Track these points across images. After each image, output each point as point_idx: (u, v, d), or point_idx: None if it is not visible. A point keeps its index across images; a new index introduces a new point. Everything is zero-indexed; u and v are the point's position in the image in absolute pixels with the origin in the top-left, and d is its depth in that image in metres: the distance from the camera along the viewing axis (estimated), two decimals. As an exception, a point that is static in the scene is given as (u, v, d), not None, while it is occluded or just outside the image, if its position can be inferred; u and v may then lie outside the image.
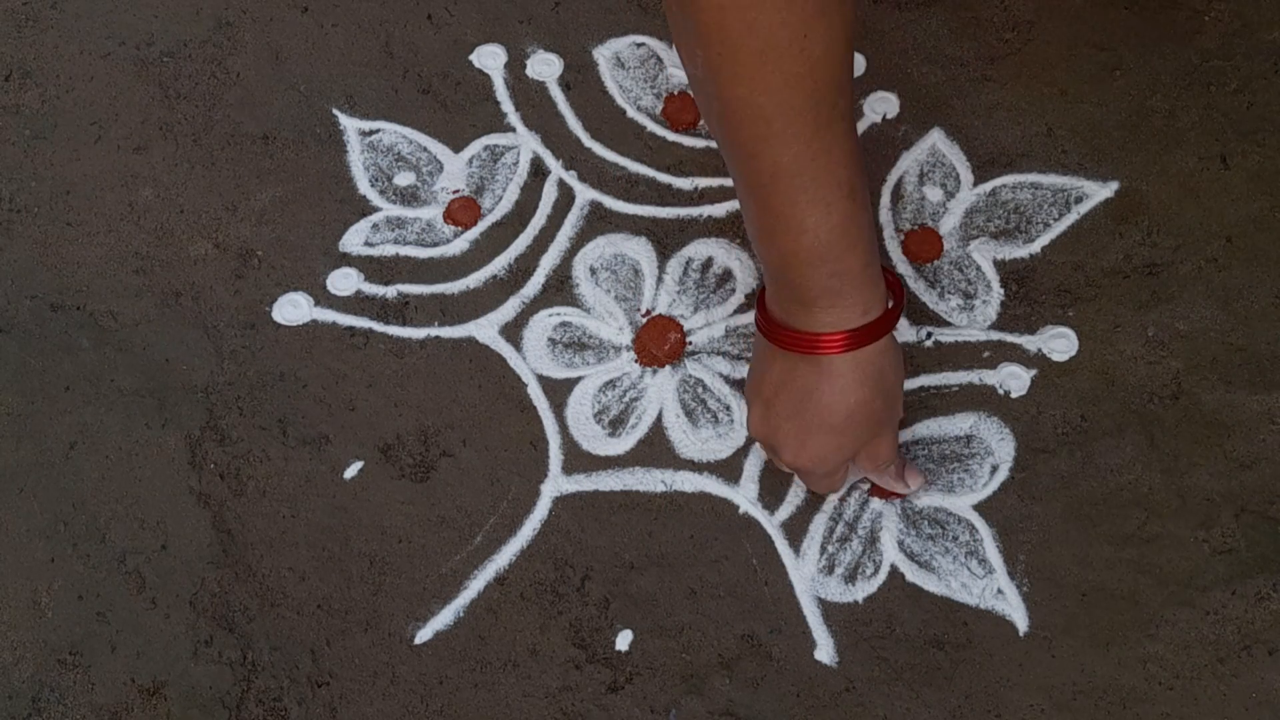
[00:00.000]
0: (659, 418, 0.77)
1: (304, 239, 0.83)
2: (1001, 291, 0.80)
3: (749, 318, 0.79)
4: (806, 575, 0.72)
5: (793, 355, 0.66)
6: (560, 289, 0.81)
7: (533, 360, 0.79)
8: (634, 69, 0.89)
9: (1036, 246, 0.81)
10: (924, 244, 0.81)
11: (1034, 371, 0.77)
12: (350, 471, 0.75)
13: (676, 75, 0.88)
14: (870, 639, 0.70)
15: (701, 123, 0.86)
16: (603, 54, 0.89)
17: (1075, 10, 0.89)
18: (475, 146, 0.86)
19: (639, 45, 0.90)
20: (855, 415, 0.66)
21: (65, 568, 0.73)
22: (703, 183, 0.84)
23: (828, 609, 0.71)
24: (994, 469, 0.74)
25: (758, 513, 0.74)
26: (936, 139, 0.85)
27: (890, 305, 0.66)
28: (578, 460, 0.76)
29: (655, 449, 0.76)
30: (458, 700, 0.69)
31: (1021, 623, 0.70)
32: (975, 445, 0.75)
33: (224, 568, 0.73)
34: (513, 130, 0.87)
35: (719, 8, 0.55)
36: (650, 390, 0.78)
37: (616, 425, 0.77)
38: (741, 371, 0.78)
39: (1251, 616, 0.69)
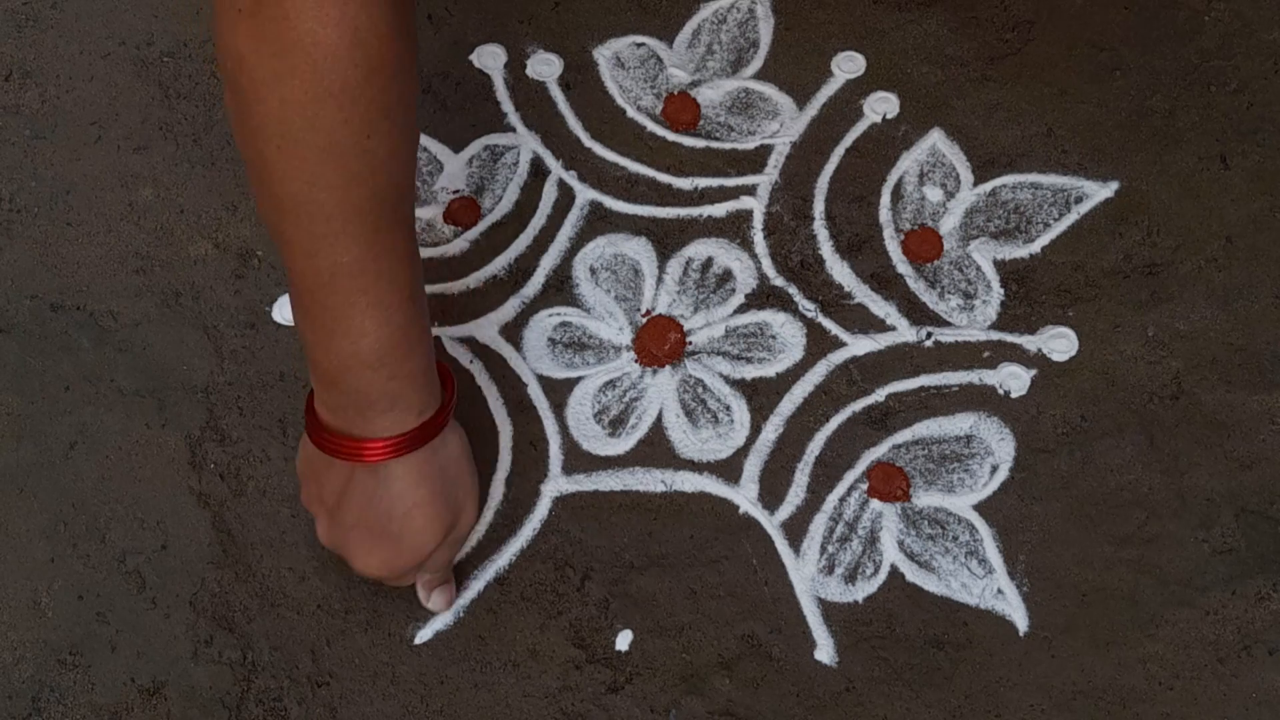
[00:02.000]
0: (659, 418, 0.77)
1: (304, 239, 0.83)
2: (1001, 291, 0.80)
3: (749, 318, 0.79)
4: (806, 575, 0.72)
5: (351, 464, 0.63)
6: (560, 289, 0.81)
7: (533, 360, 0.79)
8: (634, 69, 0.89)
9: (1036, 246, 0.81)
10: (924, 244, 0.81)
11: (1034, 371, 0.77)
12: (350, 471, 0.75)
13: (676, 75, 0.88)
14: (870, 639, 0.70)
15: (702, 122, 0.86)
16: (603, 54, 0.89)
17: (1075, 10, 0.89)
18: (475, 146, 0.86)
19: (639, 45, 0.90)
20: (413, 517, 0.64)
21: (65, 568, 0.73)
22: (703, 183, 0.84)
23: (828, 609, 0.71)
24: (994, 469, 0.74)
25: (758, 513, 0.74)
26: (936, 139, 0.85)
27: (444, 399, 0.65)
28: (578, 460, 0.76)
29: (655, 449, 0.76)
30: (458, 700, 0.69)
31: (1021, 623, 0.70)
32: (975, 445, 0.75)
33: (224, 568, 0.73)
34: (513, 130, 0.87)
35: (281, 101, 0.55)
36: (650, 390, 0.78)
37: (616, 425, 0.77)
38: (742, 371, 0.78)
39: (1251, 616, 0.69)
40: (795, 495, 0.74)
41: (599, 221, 0.83)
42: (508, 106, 0.88)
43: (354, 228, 0.58)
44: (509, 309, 0.81)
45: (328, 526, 0.67)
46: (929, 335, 0.78)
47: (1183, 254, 0.80)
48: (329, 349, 0.61)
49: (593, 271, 0.81)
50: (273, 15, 0.54)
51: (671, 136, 0.86)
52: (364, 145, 0.56)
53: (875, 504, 0.74)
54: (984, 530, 0.72)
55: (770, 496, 0.74)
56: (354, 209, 0.58)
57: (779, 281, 0.81)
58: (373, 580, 0.69)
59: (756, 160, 0.85)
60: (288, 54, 0.54)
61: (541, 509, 0.74)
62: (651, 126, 0.86)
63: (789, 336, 0.79)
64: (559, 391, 0.78)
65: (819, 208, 0.83)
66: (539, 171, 0.85)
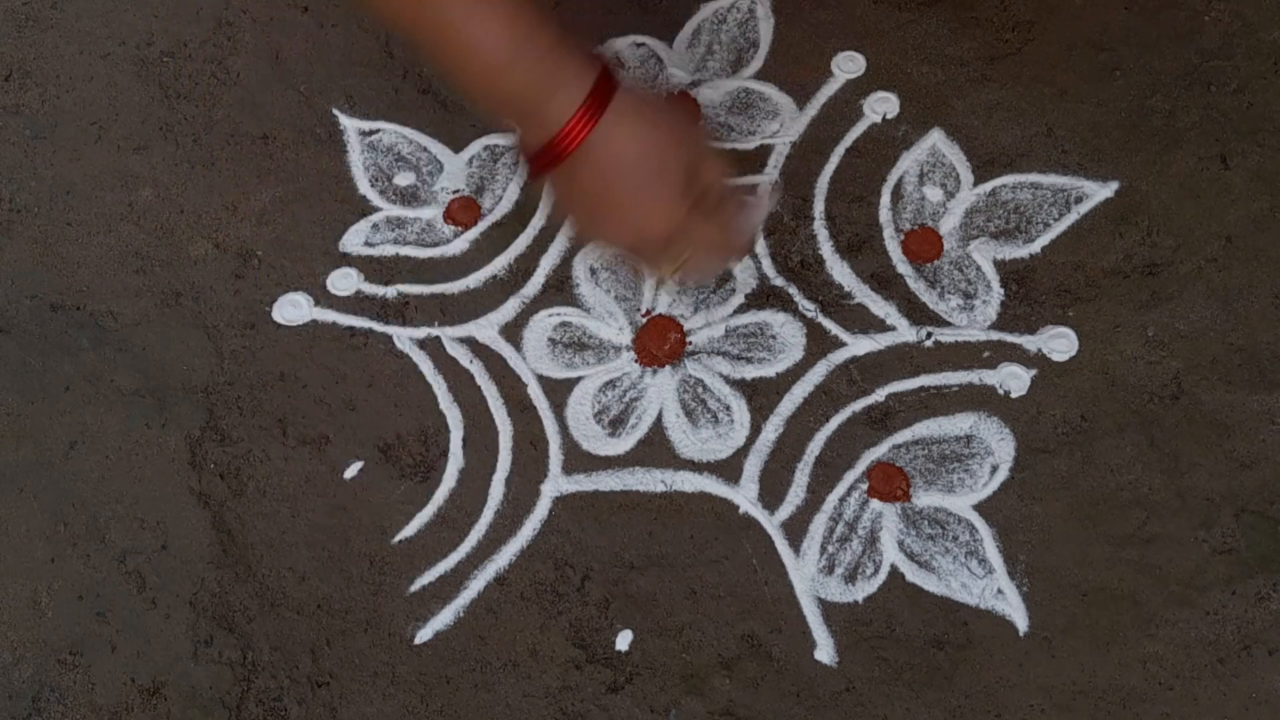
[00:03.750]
0: (659, 418, 0.77)
1: (304, 239, 0.83)
2: (1001, 291, 0.80)
3: (749, 318, 0.79)
4: (806, 575, 0.72)
5: (574, 161, 0.66)
6: (560, 289, 0.81)
7: (533, 360, 0.79)
8: (634, 69, 0.89)
9: (1036, 246, 0.81)
10: (924, 244, 0.81)
11: (1034, 371, 0.77)
12: (350, 471, 0.75)
13: (676, 75, 0.88)
14: (870, 639, 0.70)
15: (702, 122, 0.86)
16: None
17: (1075, 10, 0.89)
18: (475, 146, 0.86)
19: (639, 45, 0.90)
20: (658, 136, 0.66)
21: (65, 568, 0.73)
22: (703, 183, 0.84)
23: (828, 609, 0.71)
24: (994, 469, 0.74)
25: (758, 513, 0.74)
26: (936, 139, 0.85)
27: (603, 63, 0.67)
28: (578, 460, 0.76)
29: (655, 449, 0.76)
30: (458, 700, 0.69)
31: (1021, 623, 0.70)
32: (975, 445, 0.75)
33: (224, 568, 0.73)
34: (513, 130, 0.87)
35: None
36: (650, 390, 0.78)
37: (616, 425, 0.77)
38: (742, 371, 0.78)
39: (1251, 616, 0.69)
40: (795, 495, 0.74)
41: (599, 221, 0.83)
42: (508, 106, 0.87)
43: None
44: (509, 309, 0.81)
45: (615, 223, 0.68)
46: (929, 335, 0.78)
47: (1183, 254, 0.80)
48: (480, 64, 0.64)
49: (593, 271, 0.81)
50: None
51: (671, 136, 0.86)
52: None
53: (875, 504, 0.74)
54: (984, 530, 0.72)
55: (770, 496, 0.74)
56: None
57: (779, 281, 0.81)
58: (675, 237, 0.68)
59: (756, 160, 0.85)
60: None
61: (541, 509, 0.74)
62: (651, 126, 0.86)
63: (789, 336, 0.79)
64: (559, 391, 0.78)
65: (819, 208, 0.83)
66: (539, 171, 0.85)
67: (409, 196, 0.84)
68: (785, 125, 0.86)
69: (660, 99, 0.70)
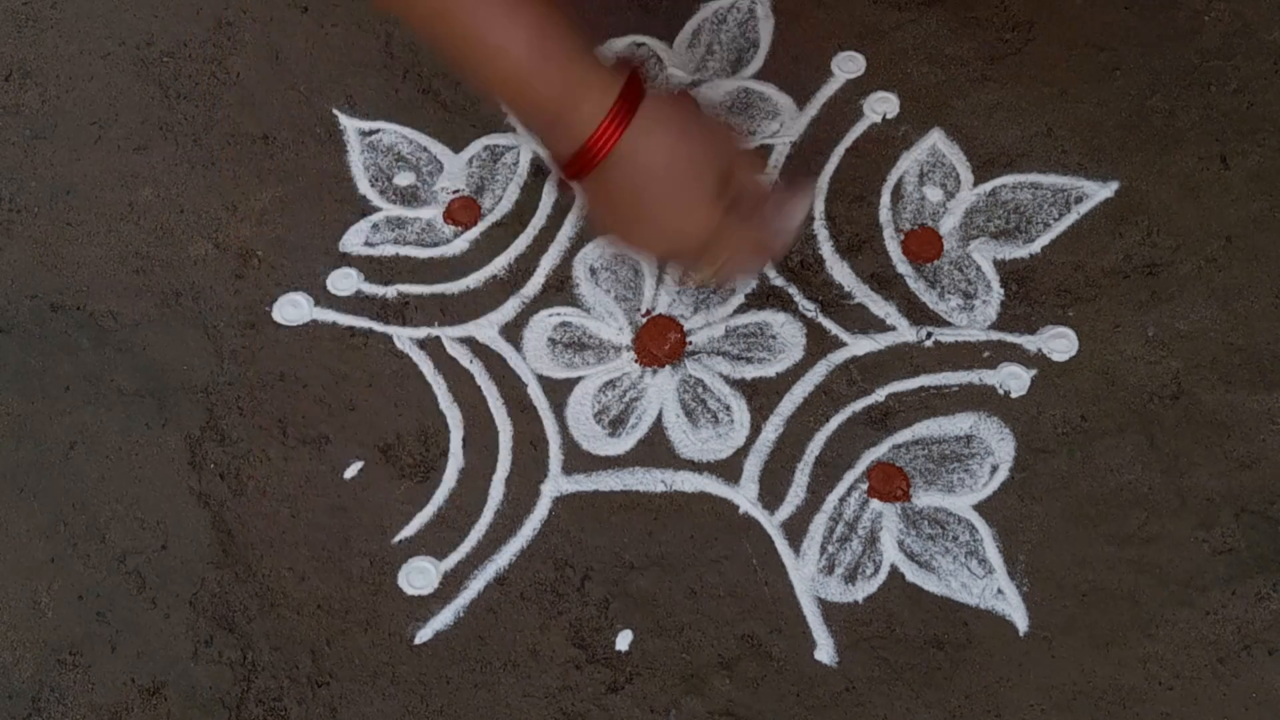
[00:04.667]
0: (659, 418, 0.77)
1: (304, 239, 0.83)
2: (1001, 291, 0.80)
3: (749, 318, 0.79)
4: (806, 575, 0.72)
5: (604, 169, 0.65)
6: (560, 289, 0.81)
7: (533, 360, 0.79)
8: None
9: (1036, 246, 0.81)
10: (924, 244, 0.81)
11: (1034, 371, 0.77)
12: (350, 471, 0.75)
13: (677, 75, 0.88)
14: (870, 639, 0.70)
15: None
16: (603, 54, 0.89)
17: (1075, 10, 0.89)
18: (475, 146, 0.86)
19: (639, 45, 0.90)
20: (678, 161, 0.65)
21: (65, 568, 0.73)
22: (703, 183, 0.84)
23: (828, 609, 0.71)
24: (994, 469, 0.74)
25: (758, 513, 0.74)
26: (936, 139, 0.85)
27: (632, 73, 0.66)
28: (578, 460, 0.76)
29: (655, 449, 0.76)
30: (458, 700, 0.69)
31: (1021, 623, 0.70)
32: (975, 445, 0.75)
33: (224, 568, 0.73)
34: (512, 130, 0.87)
35: None
36: (650, 390, 0.78)
37: (616, 425, 0.77)
38: (742, 371, 0.78)
39: (1251, 616, 0.69)
40: (795, 495, 0.74)
41: (599, 221, 0.83)
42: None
43: None
44: (509, 309, 0.81)
45: (650, 230, 0.67)
46: (929, 335, 0.78)
47: (1183, 254, 0.80)
48: (505, 72, 0.64)
49: (593, 271, 0.81)
50: None
51: (671, 136, 0.86)
52: None
53: (875, 504, 0.74)
54: (984, 530, 0.72)
55: (770, 496, 0.74)
56: None
57: (779, 281, 0.81)
58: (700, 239, 0.67)
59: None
60: None
61: (541, 509, 0.74)
62: (651, 126, 0.86)
63: (789, 336, 0.79)
64: (559, 391, 0.78)
65: (819, 208, 0.83)
66: (539, 171, 0.85)
67: (409, 196, 0.84)
68: (785, 125, 0.86)
69: (689, 103, 0.69)
